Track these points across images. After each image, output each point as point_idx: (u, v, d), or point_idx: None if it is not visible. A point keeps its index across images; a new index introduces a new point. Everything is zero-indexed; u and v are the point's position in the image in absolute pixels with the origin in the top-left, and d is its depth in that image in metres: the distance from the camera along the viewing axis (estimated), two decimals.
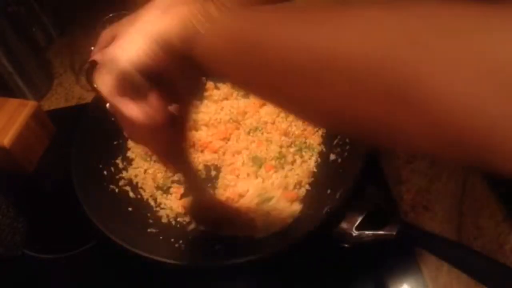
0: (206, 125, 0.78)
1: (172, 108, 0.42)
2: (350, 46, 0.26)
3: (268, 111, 0.77)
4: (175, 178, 0.73)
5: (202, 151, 0.75)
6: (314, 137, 0.75)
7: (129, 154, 0.77)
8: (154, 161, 0.76)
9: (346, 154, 0.69)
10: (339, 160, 0.70)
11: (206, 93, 0.81)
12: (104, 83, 0.39)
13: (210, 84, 0.81)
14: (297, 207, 0.66)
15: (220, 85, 0.81)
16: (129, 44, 0.38)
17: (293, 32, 0.29)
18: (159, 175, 0.74)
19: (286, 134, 0.75)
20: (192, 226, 0.68)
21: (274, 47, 0.30)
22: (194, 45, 0.35)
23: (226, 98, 0.81)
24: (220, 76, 0.36)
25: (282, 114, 0.77)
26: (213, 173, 0.73)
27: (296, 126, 0.76)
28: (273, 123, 0.77)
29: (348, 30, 0.27)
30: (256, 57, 0.31)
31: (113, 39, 0.85)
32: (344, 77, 0.26)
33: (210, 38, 0.34)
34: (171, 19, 0.37)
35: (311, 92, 0.29)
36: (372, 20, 0.26)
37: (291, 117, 0.77)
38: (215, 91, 0.81)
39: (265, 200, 0.66)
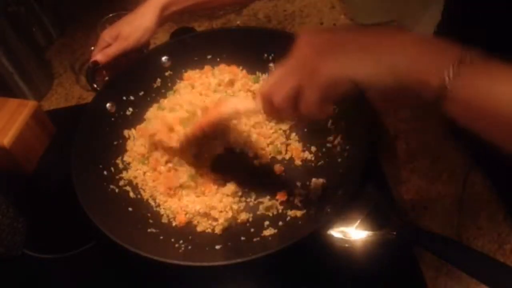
0: None
1: None
2: None
3: None
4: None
5: None
6: None
7: (125, 158, 0.77)
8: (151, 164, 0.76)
9: (346, 154, 0.69)
10: (339, 160, 0.70)
11: None
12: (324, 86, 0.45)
13: None
14: None
15: None
16: (369, 67, 0.43)
17: None
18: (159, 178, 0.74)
19: None
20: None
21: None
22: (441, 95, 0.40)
23: None
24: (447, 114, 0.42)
25: None
26: None
27: None
28: None
29: None
30: (491, 116, 0.39)
31: (112, 39, 0.85)
32: None
33: (456, 94, 0.39)
34: (423, 63, 0.40)
35: None
36: None
37: None
38: None
39: None
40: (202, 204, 0.68)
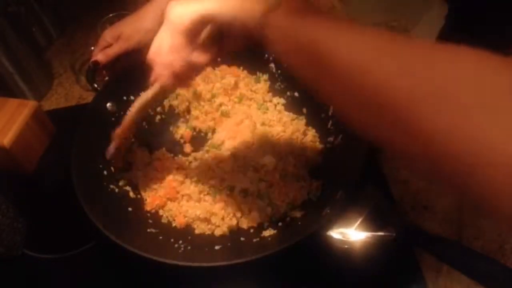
0: None
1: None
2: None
3: None
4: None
5: None
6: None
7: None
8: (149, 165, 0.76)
9: (346, 155, 0.69)
10: (339, 160, 0.70)
11: None
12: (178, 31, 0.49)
13: None
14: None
15: None
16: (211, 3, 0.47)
17: (335, 40, 0.39)
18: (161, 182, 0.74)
19: None
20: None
21: (322, 50, 0.39)
22: (263, 26, 0.44)
23: None
24: (274, 54, 0.46)
25: None
26: None
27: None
28: None
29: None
30: (306, 51, 0.41)
31: (114, 39, 0.85)
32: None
33: (274, 26, 0.44)
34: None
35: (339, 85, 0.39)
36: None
37: None
38: None
39: None
40: (203, 210, 0.68)
